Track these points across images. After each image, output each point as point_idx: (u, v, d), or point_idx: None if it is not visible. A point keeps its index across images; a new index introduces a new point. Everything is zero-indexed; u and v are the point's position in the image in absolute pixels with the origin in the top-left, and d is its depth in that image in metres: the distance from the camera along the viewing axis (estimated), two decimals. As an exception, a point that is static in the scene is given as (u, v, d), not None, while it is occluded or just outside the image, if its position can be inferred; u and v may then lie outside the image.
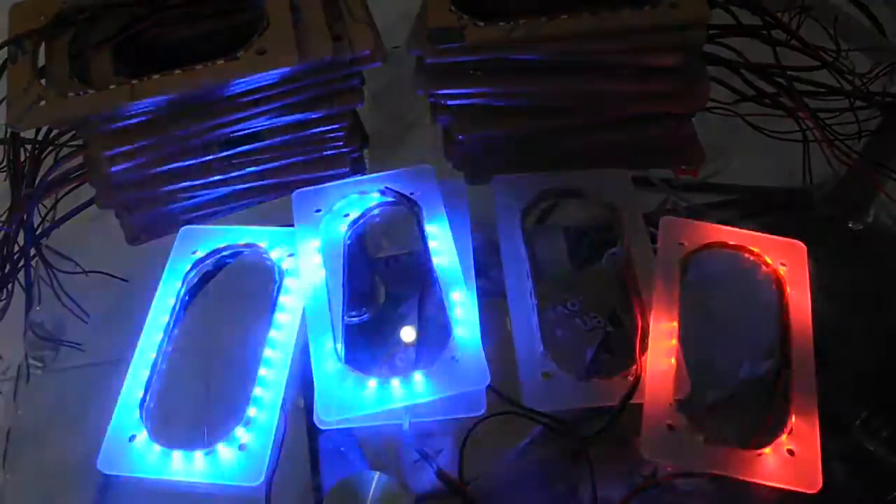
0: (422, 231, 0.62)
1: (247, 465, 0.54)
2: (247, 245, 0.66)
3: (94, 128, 0.62)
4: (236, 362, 0.60)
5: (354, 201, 0.65)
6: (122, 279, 0.68)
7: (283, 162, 0.67)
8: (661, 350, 0.57)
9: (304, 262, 0.61)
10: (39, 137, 0.65)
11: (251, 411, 0.56)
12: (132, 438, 0.55)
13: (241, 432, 0.55)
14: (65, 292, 0.66)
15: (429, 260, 0.60)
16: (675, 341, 0.57)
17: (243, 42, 0.60)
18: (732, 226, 0.64)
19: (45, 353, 0.66)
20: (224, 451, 0.54)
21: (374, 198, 0.65)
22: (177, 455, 0.54)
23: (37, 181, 0.65)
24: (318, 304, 0.59)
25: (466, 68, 0.64)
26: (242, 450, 0.54)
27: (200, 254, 0.65)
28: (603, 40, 0.61)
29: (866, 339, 0.63)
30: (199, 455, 0.54)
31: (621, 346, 0.59)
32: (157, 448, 0.55)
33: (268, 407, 0.56)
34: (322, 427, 0.54)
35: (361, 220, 0.65)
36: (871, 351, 0.62)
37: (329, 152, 0.68)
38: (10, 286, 0.66)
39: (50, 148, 0.66)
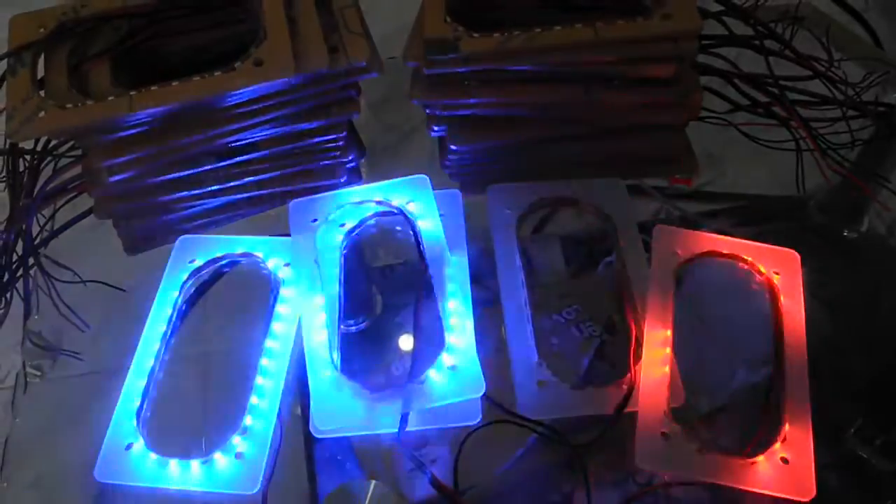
0: (418, 241, 0.62)
1: (243, 473, 0.54)
2: (244, 254, 0.66)
3: (93, 138, 0.62)
4: (233, 371, 0.60)
5: (351, 211, 0.65)
6: (120, 289, 0.68)
7: (279, 172, 0.68)
8: (655, 358, 0.57)
9: (301, 272, 0.62)
10: (38, 148, 0.66)
11: (248, 420, 0.56)
12: (129, 447, 0.55)
13: (237, 441, 0.55)
14: (63, 301, 0.66)
15: (425, 269, 0.60)
16: (669, 350, 0.57)
17: (240, 53, 0.60)
18: (726, 235, 0.64)
19: (43, 362, 0.67)
20: (221, 459, 0.54)
21: (371, 207, 0.65)
22: (173, 464, 0.55)
23: (35, 191, 0.65)
24: (314, 313, 0.59)
25: (462, 79, 0.65)
26: (239, 458, 0.54)
27: (198, 263, 0.66)
28: (597, 51, 0.62)
29: (860, 347, 0.63)
30: (195, 464, 0.54)
31: (616, 355, 0.60)
32: (153, 457, 0.55)
33: (264, 416, 0.56)
34: (318, 436, 0.54)
35: (358, 230, 0.65)
36: (864, 359, 0.63)
37: (325, 162, 0.68)
38: (8, 295, 0.66)
39: (49, 158, 0.66)
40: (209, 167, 0.66)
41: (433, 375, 0.55)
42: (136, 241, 0.69)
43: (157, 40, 0.66)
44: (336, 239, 0.64)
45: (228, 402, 0.58)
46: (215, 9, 0.66)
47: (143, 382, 0.59)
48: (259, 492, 0.53)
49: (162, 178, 0.66)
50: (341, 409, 0.54)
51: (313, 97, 0.64)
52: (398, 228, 0.65)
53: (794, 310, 0.60)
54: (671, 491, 0.54)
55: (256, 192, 0.69)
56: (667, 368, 0.56)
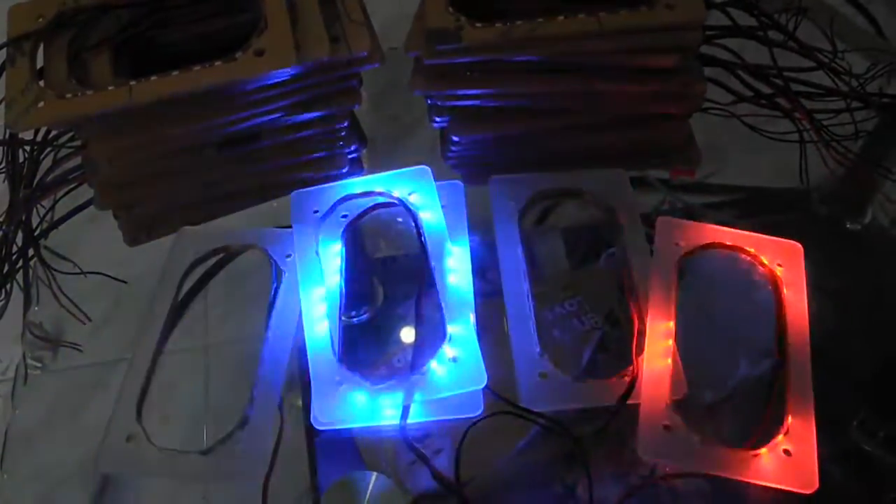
0: (419, 232, 0.62)
1: (244, 465, 0.54)
2: (245, 246, 0.66)
3: (93, 129, 0.62)
4: (234, 362, 0.60)
5: (352, 202, 0.65)
6: (121, 280, 0.68)
7: (281, 163, 0.68)
8: (657, 350, 0.57)
9: (302, 263, 0.62)
10: (38, 138, 0.66)
11: (249, 411, 0.56)
12: (130, 438, 0.55)
13: (239, 432, 0.55)
14: (63, 293, 0.66)
15: (427, 261, 0.60)
16: (671, 342, 0.57)
17: (241, 43, 0.60)
18: (729, 226, 0.64)
19: (43, 354, 0.67)
20: (222, 451, 0.54)
21: (372, 199, 0.65)
22: (174, 455, 0.54)
23: (35, 182, 0.65)
24: (315, 304, 0.59)
25: (464, 69, 0.64)
26: (240, 450, 0.54)
27: (199, 254, 0.65)
28: (599, 41, 0.61)
29: (863, 339, 0.63)
30: (196, 455, 0.54)
31: (618, 347, 0.59)
32: (154, 448, 0.55)
33: (265, 407, 0.56)
34: (319, 428, 0.54)
35: (359, 221, 0.65)
36: (868, 351, 0.62)
37: (327, 153, 0.68)
38: (8, 287, 0.66)
39: (48, 149, 0.66)
40: (210, 158, 0.65)
41: (435, 367, 0.54)
42: (137, 232, 0.69)
43: (157, 30, 0.66)
44: (337, 230, 0.64)
45: (229, 393, 0.58)
46: (216, -2, 0.66)
47: (144, 374, 0.58)
48: (260, 484, 0.53)
49: (162, 168, 0.65)
50: (342, 402, 0.54)
51: (314, 87, 0.63)
52: (400, 219, 0.65)
53: (797, 301, 0.60)
54: (673, 483, 0.54)
55: (257, 183, 0.68)
56: (669, 360, 0.56)
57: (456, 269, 0.59)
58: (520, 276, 0.61)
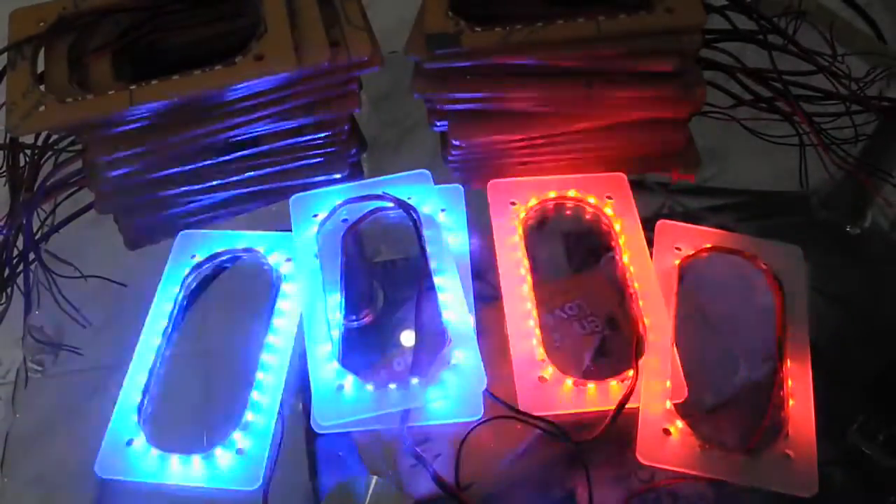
0: (419, 235, 0.62)
1: (244, 469, 0.54)
2: (245, 250, 0.66)
3: (93, 133, 0.62)
4: (234, 367, 0.60)
5: (352, 206, 0.65)
6: (121, 283, 0.68)
7: (281, 167, 0.68)
8: (657, 354, 0.57)
9: (302, 267, 0.62)
10: (39, 143, 0.66)
11: (249, 416, 0.56)
12: (130, 443, 0.55)
13: (238, 436, 0.55)
14: (64, 297, 0.66)
15: (426, 264, 0.60)
16: (671, 345, 0.57)
17: (241, 48, 0.60)
18: (729, 230, 0.64)
19: (43, 357, 0.67)
20: (222, 455, 0.54)
21: (372, 202, 0.65)
22: (174, 459, 0.55)
23: (36, 186, 0.65)
24: (315, 308, 0.59)
25: (463, 73, 0.64)
26: (240, 454, 0.54)
27: (199, 258, 0.66)
28: (599, 45, 0.61)
29: (863, 342, 0.63)
30: (196, 459, 0.54)
31: (618, 350, 0.59)
32: (154, 452, 0.55)
33: (265, 411, 0.56)
34: (319, 431, 0.54)
35: (359, 225, 0.65)
36: (867, 354, 0.62)
37: (327, 157, 0.68)
38: (9, 290, 0.66)
39: (49, 153, 0.66)
40: (210, 161, 0.66)
41: (434, 371, 0.54)
42: (137, 236, 0.69)
43: (157, 34, 0.66)
44: (337, 234, 0.64)
45: (229, 397, 0.58)
46: (216, 3, 0.66)
47: (144, 378, 0.59)
48: (260, 488, 0.53)
49: (163, 172, 0.65)
50: (342, 405, 0.54)
51: (314, 91, 0.63)
52: (399, 223, 0.65)
53: (796, 305, 0.60)
54: (673, 487, 0.54)
55: (258, 187, 0.68)
56: (669, 364, 0.56)
57: (455, 272, 0.59)
58: (519, 279, 0.61)
